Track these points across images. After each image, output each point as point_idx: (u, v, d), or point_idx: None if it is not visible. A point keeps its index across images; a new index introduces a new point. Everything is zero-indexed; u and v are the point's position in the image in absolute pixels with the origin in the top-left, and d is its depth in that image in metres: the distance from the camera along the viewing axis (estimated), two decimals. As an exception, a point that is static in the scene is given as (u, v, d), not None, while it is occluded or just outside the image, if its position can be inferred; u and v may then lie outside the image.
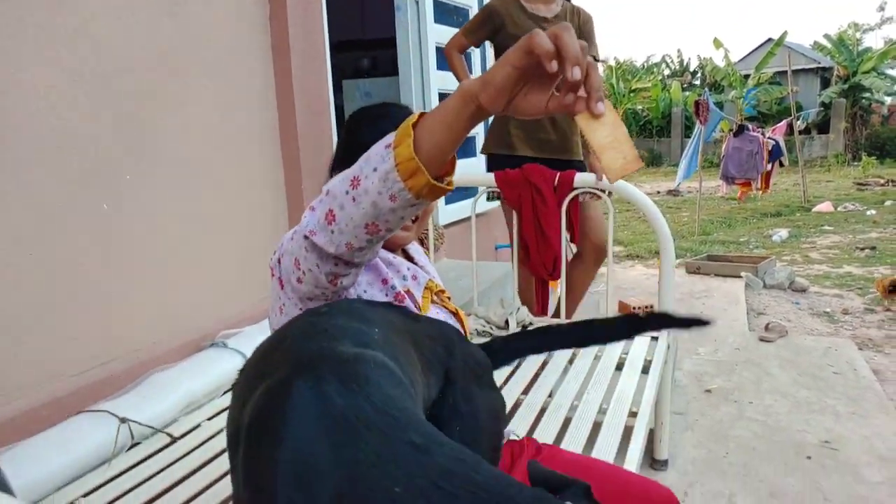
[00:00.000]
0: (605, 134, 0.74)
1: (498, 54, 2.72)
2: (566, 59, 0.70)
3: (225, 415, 1.90)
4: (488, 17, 2.71)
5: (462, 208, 4.31)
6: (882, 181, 12.12)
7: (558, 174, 2.55)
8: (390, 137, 0.80)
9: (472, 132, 3.43)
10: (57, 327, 1.87)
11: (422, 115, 0.80)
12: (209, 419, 1.92)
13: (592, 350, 2.48)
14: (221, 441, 1.76)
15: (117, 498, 1.52)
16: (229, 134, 2.48)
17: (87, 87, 1.93)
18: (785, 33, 13.56)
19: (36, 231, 1.80)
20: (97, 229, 1.97)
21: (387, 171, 0.78)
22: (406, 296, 1.13)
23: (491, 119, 2.88)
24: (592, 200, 2.73)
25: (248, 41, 2.56)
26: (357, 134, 1.18)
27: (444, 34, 4.13)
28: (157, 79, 2.16)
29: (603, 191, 2.53)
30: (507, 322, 2.61)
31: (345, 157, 1.19)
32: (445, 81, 4.21)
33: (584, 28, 2.61)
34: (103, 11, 1.95)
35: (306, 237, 0.89)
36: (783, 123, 10.14)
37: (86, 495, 1.54)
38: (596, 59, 2.54)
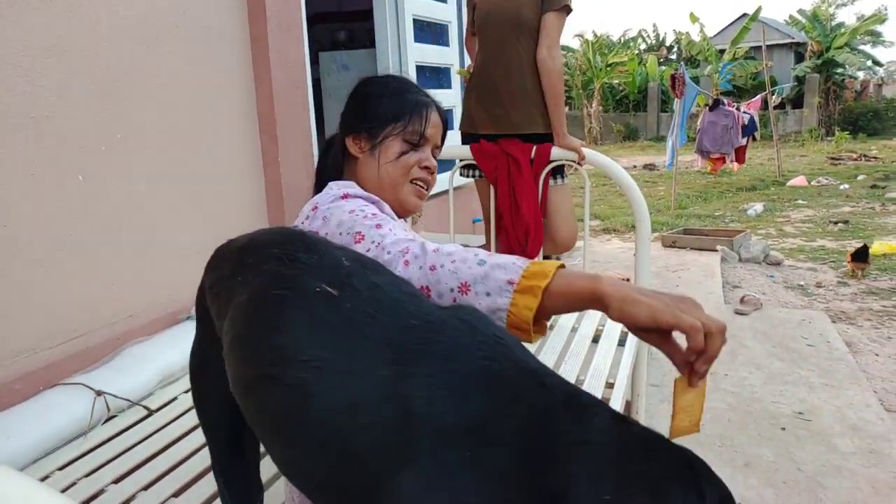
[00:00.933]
0: (689, 398, 0.81)
1: (475, 28, 2.68)
2: (711, 351, 0.76)
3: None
4: (470, 7, 2.71)
5: (440, 181, 4.29)
6: (855, 156, 12.30)
7: (535, 147, 2.53)
8: (516, 271, 0.80)
9: (451, 105, 3.39)
10: (30, 300, 1.83)
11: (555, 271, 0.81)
12: (186, 392, 1.91)
13: (569, 323, 2.49)
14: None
15: (94, 471, 1.50)
16: (205, 105, 2.43)
17: (62, 56, 1.87)
18: (759, 8, 13.59)
19: (7, 202, 1.75)
20: (71, 201, 1.93)
21: (497, 307, 0.80)
22: None
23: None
24: (561, 187, 2.69)
25: (225, 13, 2.50)
26: (380, 103, 1.22)
27: (420, 7, 4.08)
28: (133, 50, 2.11)
29: (579, 163, 2.51)
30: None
31: (359, 125, 1.23)
32: (423, 54, 4.17)
33: None
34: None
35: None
36: (758, 98, 10.22)
37: (62, 468, 1.52)
38: (569, 9, 2.48)
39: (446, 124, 1.30)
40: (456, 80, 4.62)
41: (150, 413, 1.80)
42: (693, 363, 0.77)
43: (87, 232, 1.99)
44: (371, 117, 1.22)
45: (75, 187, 1.94)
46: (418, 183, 1.23)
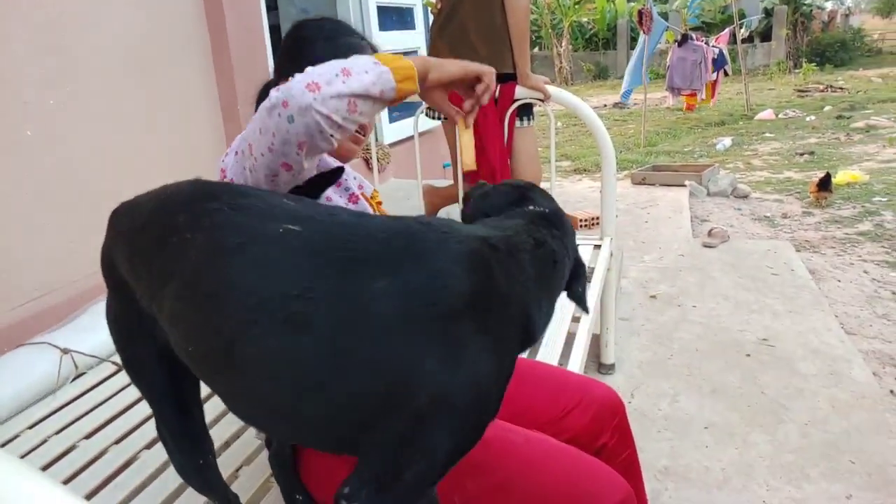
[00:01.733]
0: (466, 140, 1.16)
1: None
2: (488, 89, 1.04)
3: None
4: None
5: (407, 126, 4.23)
6: (821, 87, 12.34)
7: (499, 86, 2.49)
8: (369, 58, 0.89)
9: (416, 46, 3.35)
10: (-15, 261, 1.79)
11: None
12: (155, 346, 1.89)
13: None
14: (170, 367, 1.75)
15: (64, 428, 1.50)
16: (159, 54, 2.35)
17: (2, 8, 1.78)
18: (727, -61, 13.38)
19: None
20: (23, 158, 1.87)
21: (381, 73, 0.87)
22: (360, 197, 1.16)
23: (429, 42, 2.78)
24: (527, 129, 2.66)
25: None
26: (313, 47, 1.16)
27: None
28: (76, 1, 2.01)
29: (542, 101, 2.49)
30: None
31: (292, 69, 1.15)
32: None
33: None
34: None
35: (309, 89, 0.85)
36: (726, 32, 10.14)
37: (32, 427, 1.52)
38: None
39: None
40: (420, 21, 4.51)
41: (120, 369, 1.79)
42: (473, 104, 1.03)
43: (44, 189, 1.94)
44: (304, 63, 1.17)
45: (25, 143, 1.88)
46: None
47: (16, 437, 1.48)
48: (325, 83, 0.84)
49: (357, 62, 0.87)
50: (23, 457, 1.40)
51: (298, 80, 0.84)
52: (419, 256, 0.75)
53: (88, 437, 1.46)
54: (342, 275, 0.72)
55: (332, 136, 0.86)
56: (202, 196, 0.81)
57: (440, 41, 2.60)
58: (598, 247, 2.50)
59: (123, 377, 1.74)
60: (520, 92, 2.51)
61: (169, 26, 2.40)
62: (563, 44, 18.64)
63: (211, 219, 0.77)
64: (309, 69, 0.86)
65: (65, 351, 1.76)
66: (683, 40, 9.33)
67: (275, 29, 3.81)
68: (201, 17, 2.57)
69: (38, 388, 1.65)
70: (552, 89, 2.47)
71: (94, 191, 2.08)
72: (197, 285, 0.75)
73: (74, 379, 1.75)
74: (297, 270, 0.72)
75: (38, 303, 1.95)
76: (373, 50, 1.20)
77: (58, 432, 1.49)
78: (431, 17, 3.66)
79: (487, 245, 0.81)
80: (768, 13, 17.96)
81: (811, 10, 18.51)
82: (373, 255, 0.74)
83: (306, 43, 1.19)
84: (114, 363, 1.80)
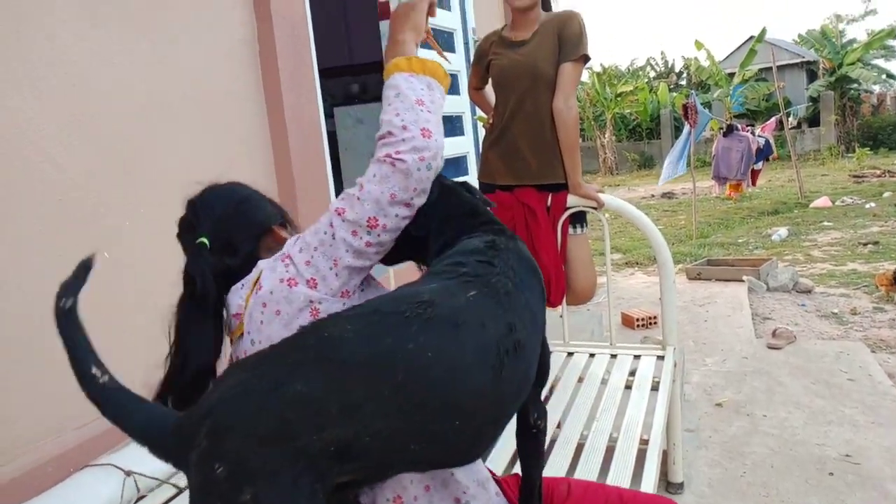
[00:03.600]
0: None
1: (492, 84, 2.71)
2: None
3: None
4: (478, 59, 2.76)
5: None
6: (878, 172, 12.09)
7: (550, 195, 2.52)
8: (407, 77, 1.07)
9: (464, 151, 3.38)
10: (57, 381, 1.82)
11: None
12: (215, 468, 1.88)
13: (599, 373, 2.44)
14: (228, 491, 1.73)
15: (124, 561, 1.47)
16: (226, 170, 2.44)
17: (81, 133, 1.90)
18: (764, 29, 13.54)
19: (40, 283, 1.76)
20: (98, 279, 1.94)
21: (430, 84, 1.05)
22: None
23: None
24: (580, 237, 2.68)
25: (239, 76, 2.54)
26: (258, 206, 1.26)
27: (429, 57, 4.12)
28: (151, 122, 2.14)
29: (595, 208, 2.50)
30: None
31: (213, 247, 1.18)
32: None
33: (562, 32, 2.54)
34: (98, 57, 1.93)
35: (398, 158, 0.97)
36: (772, 120, 10.16)
37: (92, 559, 1.50)
38: (587, 58, 2.50)
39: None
40: (468, 128, 4.66)
41: (180, 491, 1.77)
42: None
43: (112, 310, 1.99)
44: (266, 213, 1.25)
45: (101, 264, 1.95)
46: None
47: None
48: (426, 123, 0.99)
49: (409, 85, 1.04)
50: None
51: (412, 134, 0.97)
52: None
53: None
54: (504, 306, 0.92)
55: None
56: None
57: (491, 152, 2.66)
58: (661, 357, 2.42)
59: (183, 500, 1.72)
60: (572, 200, 2.53)
61: (236, 143, 2.51)
62: (607, 135, 18.93)
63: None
64: (390, 118, 1.01)
65: (128, 473, 1.75)
66: (729, 130, 9.37)
67: (332, 136, 3.97)
68: (265, 131, 2.69)
69: (101, 515, 1.64)
70: (605, 197, 2.49)
71: (157, 311, 2.13)
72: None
73: (136, 501, 1.74)
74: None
75: (102, 422, 1.96)
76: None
77: (118, 566, 1.46)
78: (481, 128, 3.77)
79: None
80: (814, 100, 17.99)
81: (859, 94, 18.45)
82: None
83: (248, 205, 1.25)
84: (174, 485, 1.79)
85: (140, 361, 2.05)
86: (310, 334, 0.85)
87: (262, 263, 1.07)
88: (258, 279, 1.03)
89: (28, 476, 1.72)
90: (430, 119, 0.99)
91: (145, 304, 2.08)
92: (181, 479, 1.81)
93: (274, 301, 0.99)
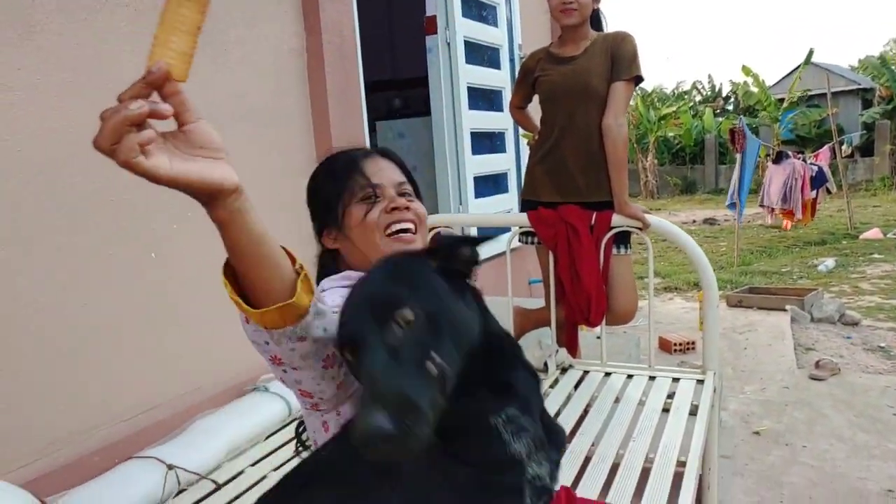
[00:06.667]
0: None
1: (539, 100, 2.72)
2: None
3: (266, 462, 1.91)
4: (524, 76, 2.76)
5: (494, 246, 4.29)
6: (931, 205, 11.74)
7: (595, 214, 2.51)
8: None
9: (506, 168, 3.38)
10: (106, 375, 1.90)
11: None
12: (252, 465, 1.92)
13: (636, 395, 2.42)
14: (263, 488, 1.76)
15: (164, 549, 1.52)
16: (270, 185, 2.51)
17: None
18: (811, 51, 13.19)
19: (87, 281, 1.84)
20: (144, 279, 2.01)
21: (272, 336, 0.82)
22: None
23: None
24: (624, 257, 2.65)
25: (287, 89, 2.61)
26: (321, 192, 1.20)
27: (475, 74, 4.18)
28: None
29: (640, 229, 2.49)
30: (545, 365, 2.57)
31: (321, 223, 1.21)
32: (478, 121, 4.24)
33: (616, 51, 2.55)
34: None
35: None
36: (825, 149, 9.92)
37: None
38: (639, 79, 2.50)
39: (396, 159, 1.24)
40: (510, 146, 4.68)
41: (218, 487, 1.81)
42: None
43: (158, 308, 2.06)
44: (323, 209, 1.19)
45: (148, 265, 2.03)
46: (395, 228, 1.13)
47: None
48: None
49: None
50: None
51: None
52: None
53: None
54: None
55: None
56: None
57: (539, 168, 2.67)
58: (700, 381, 2.40)
59: (222, 496, 1.76)
60: (617, 220, 2.52)
61: (282, 157, 2.57)
62: (649, 158, 18.74)
63: None
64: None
65: (170, 467, 1.80)
66: (779, 157, 9.19)
67: (375, 152, 4.03)
68: (310, 143, 2.74)
69: (144, 502, 1.69)
70: (651, 218, 2.47)
71: (199, 311, 2.19)
72: None
73: (177, 495, 1.78)
74: None
75: (147, 416, 2.03)
76: (378, 152, 1.21)
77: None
78: (525, 144, 3.80)
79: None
80: (869, 128, 17.54)
81: (916, 125, 17.93)
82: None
83: (314, 194, 1.22)
84: (213, 481, 1.83)
85: (179, 355, 2.12)
86: None
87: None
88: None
89: (76, 464, 1.79)
90: (302, 377, 0.91)
91: (184, 304, 2.15)
92: (220, 475, 1.86)
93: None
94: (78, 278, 1.82)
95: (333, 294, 1.05)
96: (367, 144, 3.31)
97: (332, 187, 1.16)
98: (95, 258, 1.86)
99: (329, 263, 1.21)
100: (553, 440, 0.91)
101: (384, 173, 1.17)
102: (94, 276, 1.86)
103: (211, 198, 0.69)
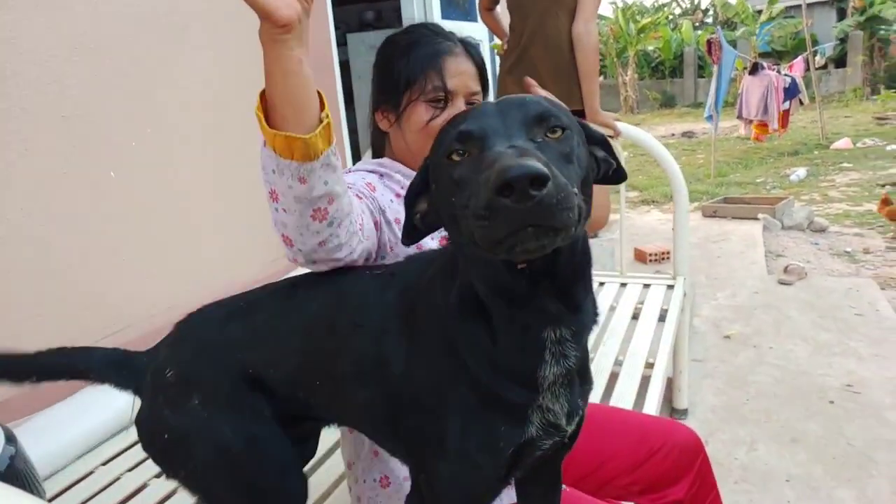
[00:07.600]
0: None
1: (508, 7, 2.62)
2: None
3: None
4: None
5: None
6: (902, 115, 11.78)
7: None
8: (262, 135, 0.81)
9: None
10: (71, 296, 1.86)
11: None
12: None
13: (607, 301, 2.45)
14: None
15: (137, 465, 1.53)
16: (232, 95, 2.42)
17: (87, 54, 1.88)
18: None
19: (44, 202, 1.78)
20: (105, 197, 1.95)
21: (278, 165, 0.79)
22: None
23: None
24: None
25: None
26: (392, 70, 1.11)
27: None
28: (156, 46, 2.11)
29: (612, 136, 2.45)
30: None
31: (380, 98, 1.14)
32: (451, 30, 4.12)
33: None
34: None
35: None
36: (799, 59, 9.80)
37: (105, 463, 1.55)
38: None
39: (481, 65, 1.15)
40: (486, 55, 4.57)
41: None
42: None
43: (122, 227, 2.01)
44: (388, 87, 1.11)
45: (108, 184, 1.96)
46: None
47: (90, 473, 1.51)
48: (283, 228, 0.86)
49: (263, 162, 0.83)
50: (96, 494, 1.43)
51: (280, 237, 0.88)
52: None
53: (159, 475, 1.48)
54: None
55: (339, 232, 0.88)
56: None
57: (509, 77, 2.60)
58: (670, 286, 2.42)
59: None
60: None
61: (243, 66, 2.48)
62: (629, 72, 18.48)
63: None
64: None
65: (139, 385, 1.80)
66: (754, 69, 9.08)
67: (344, 65, 3.90)
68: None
69: (112, 424, 1.69)
70: (622, 125, 2.43)
71: (168, 229, 2.15)
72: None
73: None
74: None
75: (116, 337, 2.01)
76: (464, 48, 1.13)
77: (131, 469, 1.52)
78: (497, 58, 3.69)
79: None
80: (843, 39, 17.37)
81: (889, 35, 17.79)
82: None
83: (387, 64, 1.13)
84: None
85: (150, 274, 2.08)
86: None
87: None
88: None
89: (39, 388, 1.77)
90: (287, 221, 0.84)
91: (153, 222, 2.10)
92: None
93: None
94: (30, 198, 1.75)
95: (355, 175, 1.07)
96: (336, 57, 3.18)
97: (404, 72, 1.09)
98: (51, 178, 1.79)
99: (379, 143, 1.19)
100: (582, 389, 0.85)
101: (461, 79, 1.10)
102: (51, 197, 1.80)
103: (262, 18, 0.74)
